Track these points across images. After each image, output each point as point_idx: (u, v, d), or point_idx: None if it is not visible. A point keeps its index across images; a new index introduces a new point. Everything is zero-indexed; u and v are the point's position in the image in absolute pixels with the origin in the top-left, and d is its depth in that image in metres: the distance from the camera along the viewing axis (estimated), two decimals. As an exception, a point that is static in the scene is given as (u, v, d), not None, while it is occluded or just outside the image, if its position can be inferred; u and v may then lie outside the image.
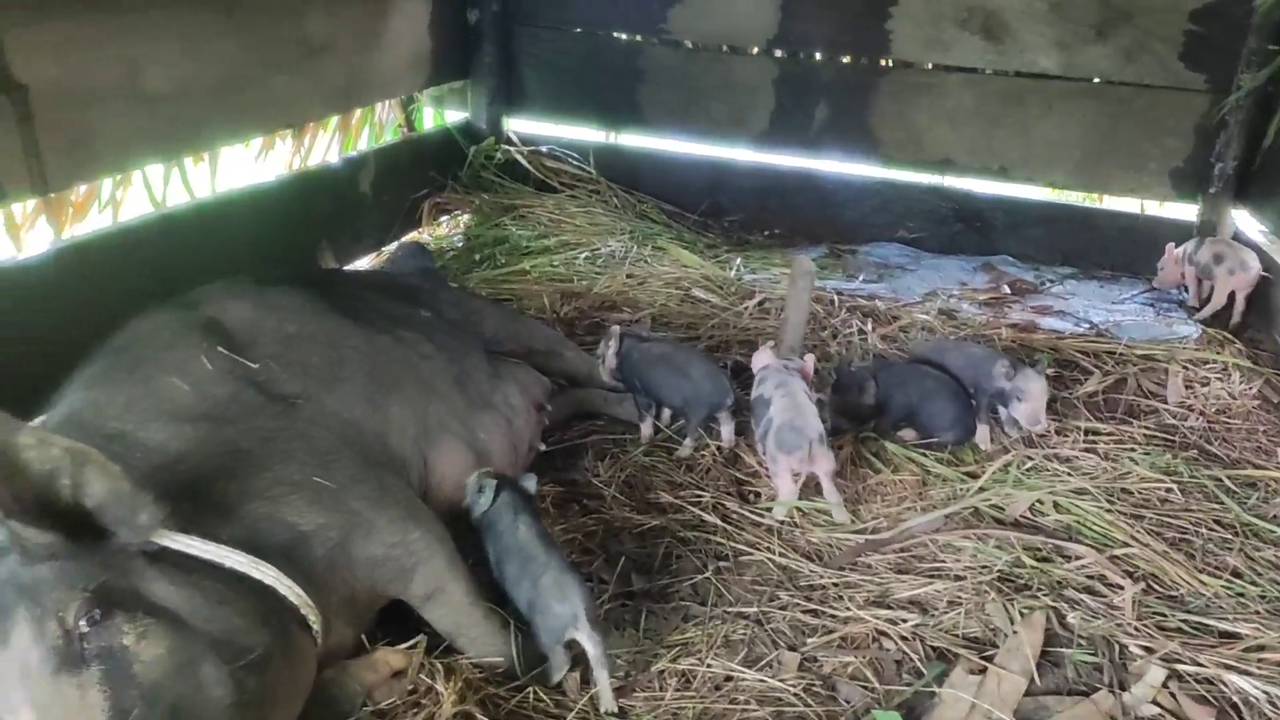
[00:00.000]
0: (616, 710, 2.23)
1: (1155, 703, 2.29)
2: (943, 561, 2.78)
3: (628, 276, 4.67)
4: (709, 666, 2.38)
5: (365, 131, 5.41)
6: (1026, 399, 3.20)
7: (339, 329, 2.70)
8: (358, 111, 5.18)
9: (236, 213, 4.13)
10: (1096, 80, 4.85)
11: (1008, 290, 4.78)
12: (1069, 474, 3.16)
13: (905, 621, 2.53)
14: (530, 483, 2.57)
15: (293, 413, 2.37)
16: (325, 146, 5.05)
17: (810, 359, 3.27)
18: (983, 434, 3.33)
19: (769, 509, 2.97)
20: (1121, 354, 4.05)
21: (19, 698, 1.60)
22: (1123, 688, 2.33)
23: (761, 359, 3.28)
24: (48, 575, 1.69)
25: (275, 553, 2.00)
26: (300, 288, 2.82)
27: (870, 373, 3.36)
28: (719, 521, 2.93)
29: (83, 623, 1.65)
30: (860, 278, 4.85)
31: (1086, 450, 3.32)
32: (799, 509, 2.97)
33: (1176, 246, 4.58)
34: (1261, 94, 4.51)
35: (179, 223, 3.90)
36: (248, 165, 4.64)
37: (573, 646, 2.26)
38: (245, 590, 1.89)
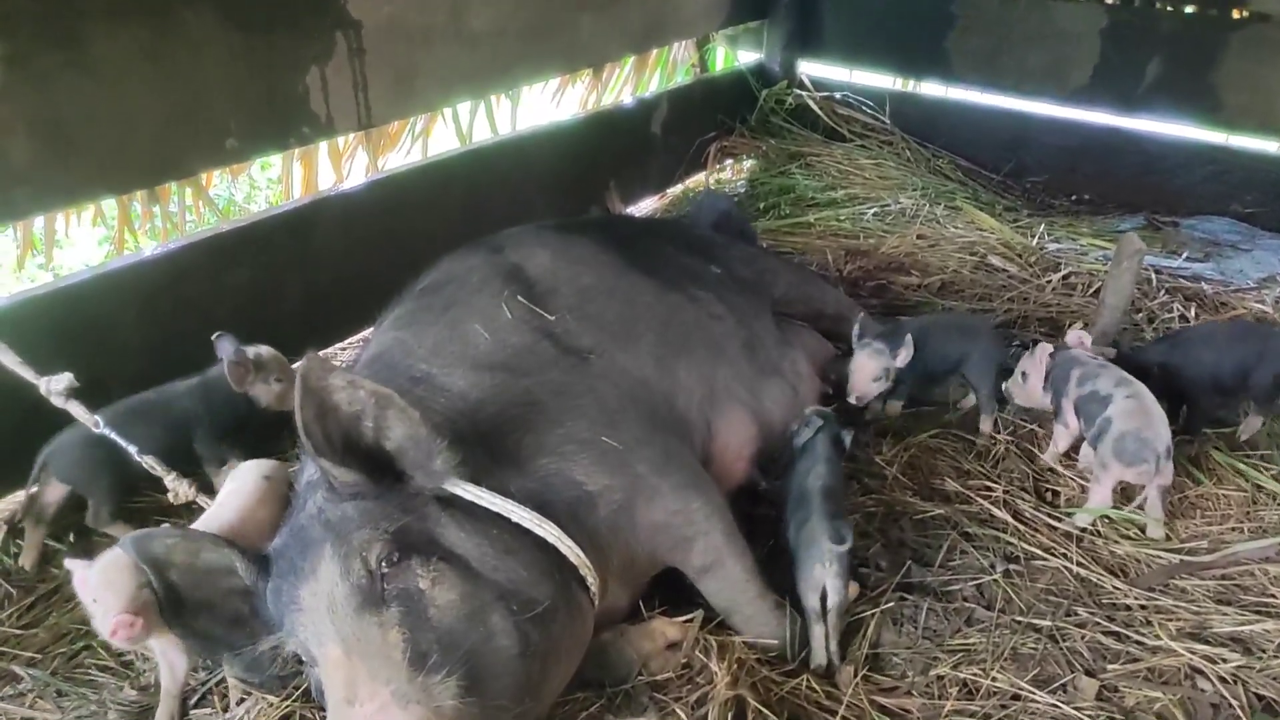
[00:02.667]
0: (824, 663, 2.22)
1: None
2: (1274, 596, 2.45)
3: (918, 237, 4.43)
4: (994, 680, 2.21)
5: (656, 73, 5.39)
6: None
7: (634, 284, 2.68)
8: (654, 52, 5.15)
9: (536, 150, 4.24)
10: None
11: (1364, 281, 4.15)
12: None
13: (1226, 661, 2.26)
14: (847, 436, 2.62)
15: (585, 367, 2.38)
16: (619, 87, 5.07)
17: (1082, 334, 2.98)
18: None
19: (1070, 513, 2.73)
20: None
21: (327, 631, 1.69)
22: None
23: (1040, 355, 2.93)
24: (352, 514, 1.79)
25: (561, 509, 2.02)
26: (599, 237, 2.83)
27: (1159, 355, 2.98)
28: (1009, 519, 2.72)
29: (384, 563, 1.72)
30: (1184, 255, 4.34)
31: None
32: (1105, 516, 2.71)
33: None
34: None
35: (484, 158, 4.05)
36: (544, 104, 4.73)
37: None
38: (529, 544, 1.92)
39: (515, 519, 1.90)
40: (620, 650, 2.07)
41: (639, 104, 4.87)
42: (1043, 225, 4.56)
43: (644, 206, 4.93)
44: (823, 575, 2.20)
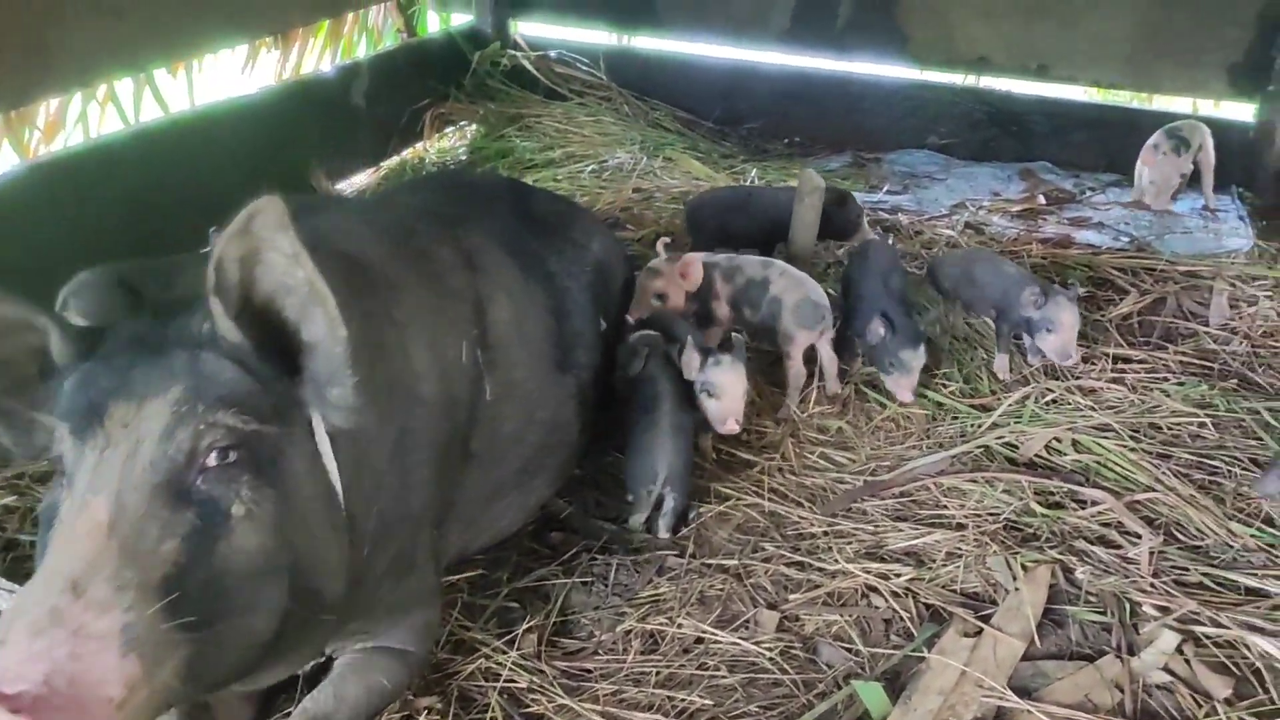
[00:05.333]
0: (667, 538, 2.48)
1: (1167, 669, 2.08)
2: (945, 508, 2.56)
3: (634, 191, 4.41)
4: (679, 626, 2.20)
5: (363, 39, 5.14)
6: (1057, 330, 2.89)
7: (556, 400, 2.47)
8: (350, 17, 4.89)
9: (217, 127, 3.92)
10: (1149, -36, 4.43)
11: (1043, 200, 4.44)
12: (1092, 408, 2.90)
13: (898, 576, 2.33)
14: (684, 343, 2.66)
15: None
16: (317, 55, 4.79)
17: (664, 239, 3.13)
18: (1002, 363, 3.07)
19: (763, 449, 2.77)
20: (1162, 270, 3.74)
21: (108, 478, 1.38)
22: (1131, 652, 2.12)
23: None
24: (231, 376, 1.48)
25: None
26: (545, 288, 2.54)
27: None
28: (705, 464, 2.73)
29: (214, 456, 1.44)
30: (884, 189, 4.53)
31: (1114, 381, 3.04)
32: (795, 442, 2.77)
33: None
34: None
35: (155, 138, 3.71)
36: (232, 78, 4.41)
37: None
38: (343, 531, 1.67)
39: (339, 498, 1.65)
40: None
41: (338, 73, 4.60)
42: (755, 170, 4.64)
43: (356, 182, 4.68)
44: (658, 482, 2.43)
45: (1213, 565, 2.36)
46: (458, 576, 2.32)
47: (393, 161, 4.91)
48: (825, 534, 2.48)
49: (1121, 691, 2.02)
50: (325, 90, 4.49)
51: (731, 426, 2.50)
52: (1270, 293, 3.59)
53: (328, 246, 1.98)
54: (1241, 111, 4.57)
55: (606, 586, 2.34)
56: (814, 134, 5.17)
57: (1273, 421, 2.87)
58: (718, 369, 2.51)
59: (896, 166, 4.83)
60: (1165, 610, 2.21)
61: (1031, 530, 2.47)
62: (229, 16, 3.82)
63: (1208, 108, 4.82)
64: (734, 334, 2.68)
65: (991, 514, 2.52)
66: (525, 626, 2.17)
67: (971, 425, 2.84)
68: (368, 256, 2.02)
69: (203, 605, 1.38)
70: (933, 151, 4.96)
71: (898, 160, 4.89)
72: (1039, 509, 2.51)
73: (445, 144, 5.15)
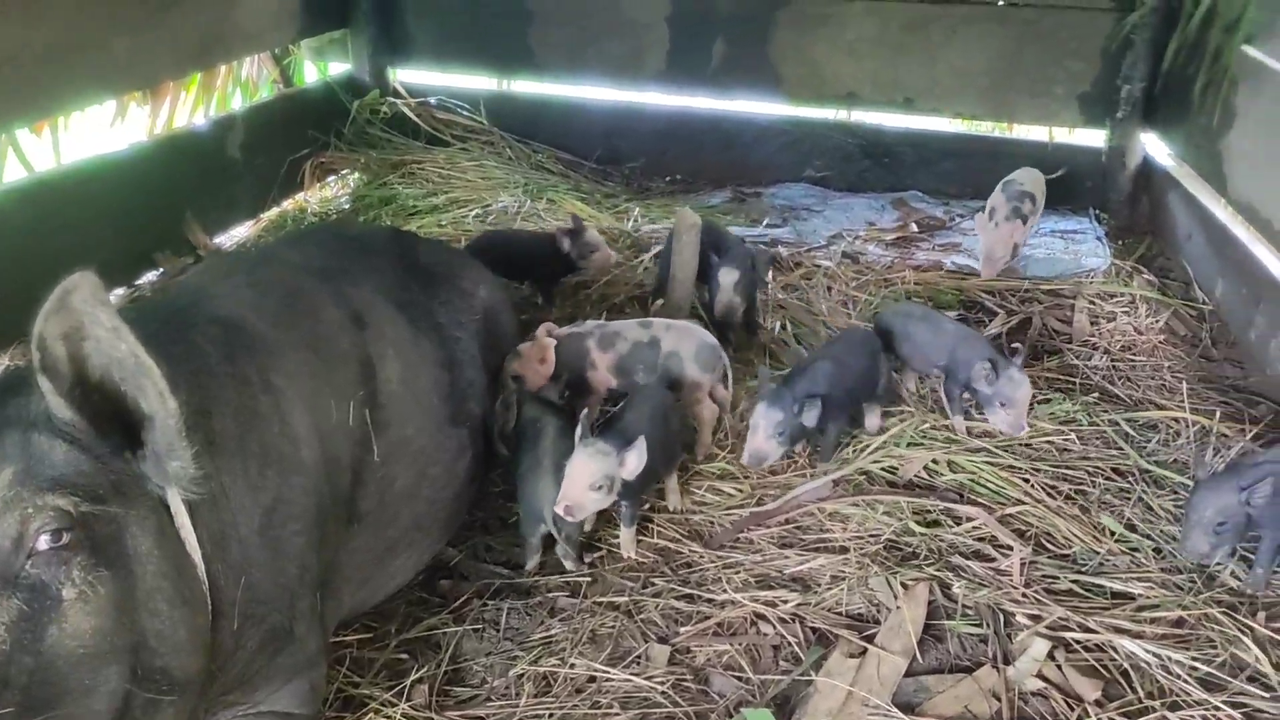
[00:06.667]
0: (533, 570, 2.53)
1: (1040, 675, 2.17)
2: (829, 532, 2.63)
3: (519, 234, 4.43)
4: (572, 667, 2.21)
5: (237, 92, 5.08)
6: (1011, 405, 2.85)
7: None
8: (222, 69, 4.83)
9: (87, 185, 3.82)
10: (1001, 1, 4.67)
11: (915, 228, 4.62)
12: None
13: (786, 602, 2.38)
14: (552, 393, 2.84)
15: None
16: (189, 109, 4.71)
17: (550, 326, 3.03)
18: (959, 424, 3.02)
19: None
20: (1027, 291, 3.92)
21: None
22: (1007, 661, 2.21)
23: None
24: (60, 458, 1.46)
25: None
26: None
27: None
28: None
29: (44, 539, 1.40)
30: (764, 222, 4.65)
31: (986, 400, 3.17)
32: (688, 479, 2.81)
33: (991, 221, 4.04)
34: (1166, 9, 4.34)
35: (22, 200, 3.61)
36: (101, 134, 4.31)
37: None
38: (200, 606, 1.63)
39: (200, 572, 1.61)
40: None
41: (212, 125, 4.53)
42: (638, 208, 4.71)
43: (236, 235, 4.61)
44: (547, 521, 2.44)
45: (1080, 572, 2.47)
46: (346, 633, 2.29)
47: (273, 213, 4.85)
48: (714, 566, 2.52)
49: (999, 700, 2.10)
50: (199, 144, 4.41)
51: (559, 508, 2.33)
52: (1127, 309, 3.79)
53: (205, 311, 1.97)
54: (1095, 138, 4.83)
55: (498, 631, 2.34)
56: (694, 171, 5.29)
57: (1131, 431, 3.03)
58: (577, 451, 2.39)
59: (776, 200, 4.96)
60: (1037, 619, 2.31)
61: (911, 549, 2.55)
62: (92, 73, 3.72)
63: (1063, 135, 5.07)
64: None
65: (873, 535, 2.59)
66: (415, 677, 2.16)
67: (854, 450, 2.92)
68: (247, 320, 2.01)
69: (32, 692, 1.36)
70: (810, 184, 5.11)
71: (777, 194, 5.03)
72: (917, 528, 2.60)
73: (327, 193, 5.11)
